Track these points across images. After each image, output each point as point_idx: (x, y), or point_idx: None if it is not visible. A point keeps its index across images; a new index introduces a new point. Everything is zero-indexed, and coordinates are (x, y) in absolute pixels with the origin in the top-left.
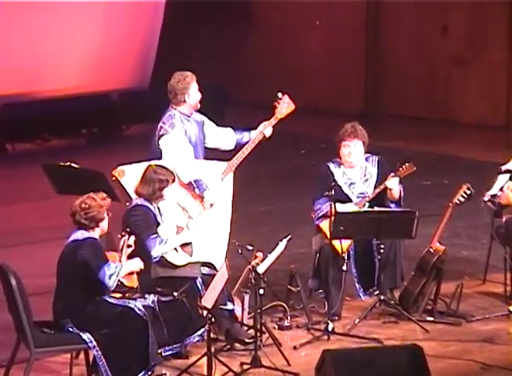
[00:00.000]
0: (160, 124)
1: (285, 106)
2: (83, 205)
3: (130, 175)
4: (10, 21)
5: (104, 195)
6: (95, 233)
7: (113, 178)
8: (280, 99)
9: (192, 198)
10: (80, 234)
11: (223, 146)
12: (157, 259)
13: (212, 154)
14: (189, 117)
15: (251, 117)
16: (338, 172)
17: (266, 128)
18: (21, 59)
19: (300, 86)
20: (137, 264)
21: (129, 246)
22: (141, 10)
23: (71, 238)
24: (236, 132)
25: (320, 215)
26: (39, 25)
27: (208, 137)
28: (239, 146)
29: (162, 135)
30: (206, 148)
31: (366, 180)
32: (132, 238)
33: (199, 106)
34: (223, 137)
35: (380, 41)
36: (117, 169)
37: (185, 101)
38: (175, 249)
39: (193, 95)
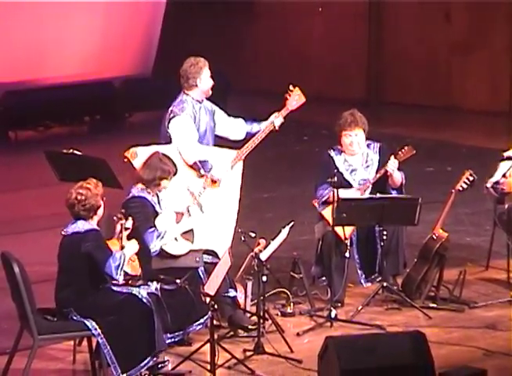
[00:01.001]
0: (171, 108)
1: (296, 98)
2: (79, 197)
3: (142, 157)
4: (12, 9)
5: (96, 181)
6: (94, 222)
7: (125, 160)
8: (292, 91)
9: (196, 177)
10: (80, 225)
11: (233, 136)
12: (156, 252)
13: (222, 143)
14: (200, 103)
15: (252, 104)
16: (339, 159)
17: (277, 119)
18: (23, 47)
19: (302, 74)
20: (135, 245)
21: (127, 228)
22: None
23: (71, 229)
24: (246, 123)
25: (323, 200)
26: (41, 12)
27: (218, 125)
28: (249, 137)
29: (172, 118)
30: (216, 136)
31: (368, 167)
32: (130, 221)
33: (210, 92)
34: (233, 127)
35: (382, 28)
36: (130, 150)
37: (196, 85)
38: (175, 238)
39: (205, 80)
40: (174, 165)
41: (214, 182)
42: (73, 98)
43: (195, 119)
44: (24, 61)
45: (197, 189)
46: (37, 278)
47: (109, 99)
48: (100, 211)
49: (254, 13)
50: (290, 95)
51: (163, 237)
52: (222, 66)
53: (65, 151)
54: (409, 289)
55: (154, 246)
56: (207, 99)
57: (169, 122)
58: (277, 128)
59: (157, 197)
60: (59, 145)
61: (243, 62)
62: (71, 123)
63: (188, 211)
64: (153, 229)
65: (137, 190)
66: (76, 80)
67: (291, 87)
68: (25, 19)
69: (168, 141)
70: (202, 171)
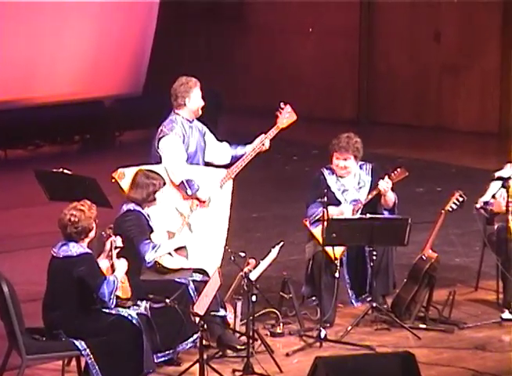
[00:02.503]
0: (161, 127)
1: (286, 116)
2: (72, 219)
3: (130, 178)
4: (2, 27)
5: (90, 204)
6: (85, 244)
7: (113, 180)
8: (282, 108)
9: (184, 199)
10: (72, 249)
11: (218, 161)
12: (151, 264)
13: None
14: (190, 122)
15: (243, 123)
16: (332, 179)
17: (266, 140)
18: (14, 66)
19: (292, 93)
20: (125, 264)
21: (117, 247)
22: (134, 17)
23: (63, 252)
24: (231, 147)
25: (314, 219)
26: (32, 31)
27: (206, 148)
28: (234, 160)
29: (161, 138)
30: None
31: (360, 188)
32: (119, 238)
33: (200, 112)
34: (219, 151)
35: (373, 48)
36: (118, 171)
37: (185, 104)
38: (170, 254)
39: (194, 100)
40: (160, 176)
41: (201, 202)
42: (64, 117)
43: (184, 139)
44: (14, 80)
45: (185, 211)
46: (26, 297)
47: (100, 118)
48: (92, 234)
49: (245, 33)
50: (280, 113)
51: (158, 248)
52: (213, 85)
53: (55, 170)
54: (398, 309)
55: (149, 257)
56: (198, 119)
57: (159, 141)
58: (267, 147)
59: (148, 216)
60: (49, 164)
61: (234, 81)
62: (61, 142)
63: (178, 231)
64: (148, 240)
65: (131, 205)
66: (66, 99)
67: (282, 104)
68: (15, 38)
69: (158, 160)
70: (188, 192)
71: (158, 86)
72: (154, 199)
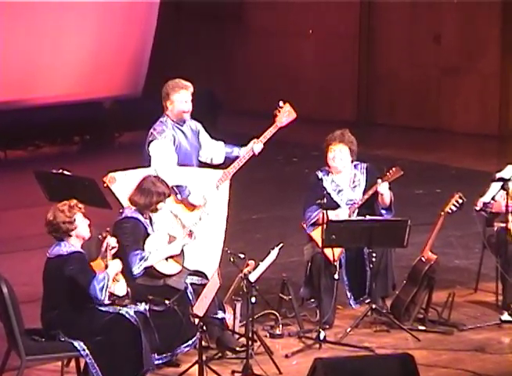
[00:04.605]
0: (151, 130)
1: (285, 114)
2: (49, 218)
3: (121, 182)
4: (2, 28)
5: (74, 203)
6: (76, 243)
7: (105, 185)
8: (281, 107)
9: (187, 210)
10: (63, 247)
11: (212, 160)
12: (138, 275)
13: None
14: (181, 124)
15: (242, 124)
16: (327, 180)
17: (256, 145)
18: (13, 67)
19: (292, 94)
20: (119, 264)
21: (112, 247)
22: (133, 18)
23: (55, 252)
24: (226, 146)
25: (311, 222)
26: (31, 32)
27: (201, 148)
28: (228, 161)
29: (151, 142)
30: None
31: (355, 187)
32: (114, 239)
33: (185, 116)
34: (213, 150)
35: (372, 50)
36: (108, 176)
37: (167, 107)
38: (165, 259)
39: (177, 103)
40: (168, 186)
41: (194, 206)
42: (64, 118)
43: (174, 140)
44: (14, 81)
45: (188, 222)
46: (26, 298)
47: (99, 119)
48: (80, 232)
49: (245, 34)
50: (279, 112)
51: (146, 260)
52: (212, 86)
53: (54, 171)
54: (397, 311)
55: (136, 269)
56: (194, 118)
57: (149, 144)
58: (256, 153)
59: (150, 219)
60: (49, 165)
61: (233, 82)
62: (61, 143)
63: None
64: (138, 251)
65: (130, 211)
66: (66, 100)
67: (281, 103)
68: (15, 40)
69: (149, 163)
70: (178, 197)
71: (157, 87)
72: (156, 209)
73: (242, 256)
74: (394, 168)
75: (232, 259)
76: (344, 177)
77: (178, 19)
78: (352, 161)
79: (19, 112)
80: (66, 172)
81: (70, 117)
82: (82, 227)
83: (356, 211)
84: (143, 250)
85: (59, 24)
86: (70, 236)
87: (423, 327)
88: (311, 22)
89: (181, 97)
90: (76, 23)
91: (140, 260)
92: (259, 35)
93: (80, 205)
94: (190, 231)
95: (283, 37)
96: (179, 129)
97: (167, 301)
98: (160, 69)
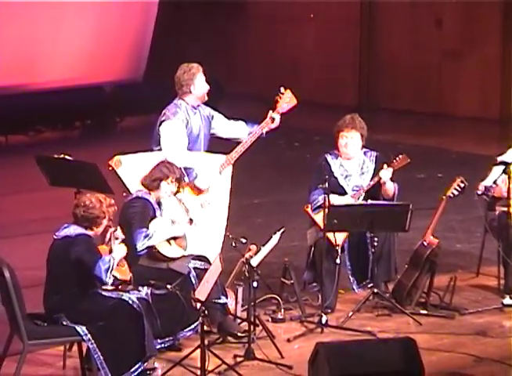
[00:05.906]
0: (164, 110)
1: (287, 100)
2: (87, 202)
3: (127, 166)
4: (3, 13)
5: (112, 202)
6: (88, 232)
7: (110, 168)
8: (282, 93)
9: (188, 188)
10: (72, 230)
11: (236, 135)
12: (141, 253)
13: (214, 148)
14: (195, 108)
15: (244, 109)
16: (335, 163)
17: (264, 124)
18: (14, 51)
19: (293, 79)
20: (123, 249)
21: (117, 238)
22: (135, 3)
23: (62, 233)
24: (247, 125)
25: (316, 206)
26: (32, 17)
27: (219, 129)
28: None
29: (163, 121)
30: (220, 138)
31: (363, 174)
32: (119, 230)
33: (206, 97)
34: (234, 129)
35: (374, 35)
36: (114, 159)
37: (190, 92)
38: (169, 242)
39: (199, 86)
40: (178, 171)
41: (199, 190)
42: (65, 103)
43: (187, 124)
44: (15, 66)
45: (192, 207)
46: (28, 283)
47: (101, 104)
48: (98, 230)
49: (246, 19)
50: (280, 98)
51: (151, 238)
52: (214, 71)
53: (56, 156)
54: (399, 295)
55: (141, 246)
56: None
57: (160, 124)
58: (274, 126)
59: (159, 204)
60: (50, 150)
61: (234, 67)
62: (62, 128)
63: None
64: (143, 229)
65: (141, 193)
66: (67, 85)
67: (282, 89)
68: (16, 25)
69: (158, 143)
70: (186, 179)
71: (159, 72)
72: (157, 187)
73: (244, 241)
74: (400, 156)
75: (234, 244)
76: (353, 163)
77: (180, 4)
78: (362, 147)
79: (20, 97)
80: (67, 157)
81: (71, 101)
82: (103, 227)
83: (361, 197)
84: (147, 229)
85: (60, 8)
86: (92, 229)
87: (424, 311)
88: (313, 8)
89: (203, 78)
90: (77, 7)
91: (145, 238)
92: (261, 21)
93: (115, 206)
94: (190, 219)
95: (285, 24)
96: (193, 113)
97: (169, 286)
98: (162, 54)
